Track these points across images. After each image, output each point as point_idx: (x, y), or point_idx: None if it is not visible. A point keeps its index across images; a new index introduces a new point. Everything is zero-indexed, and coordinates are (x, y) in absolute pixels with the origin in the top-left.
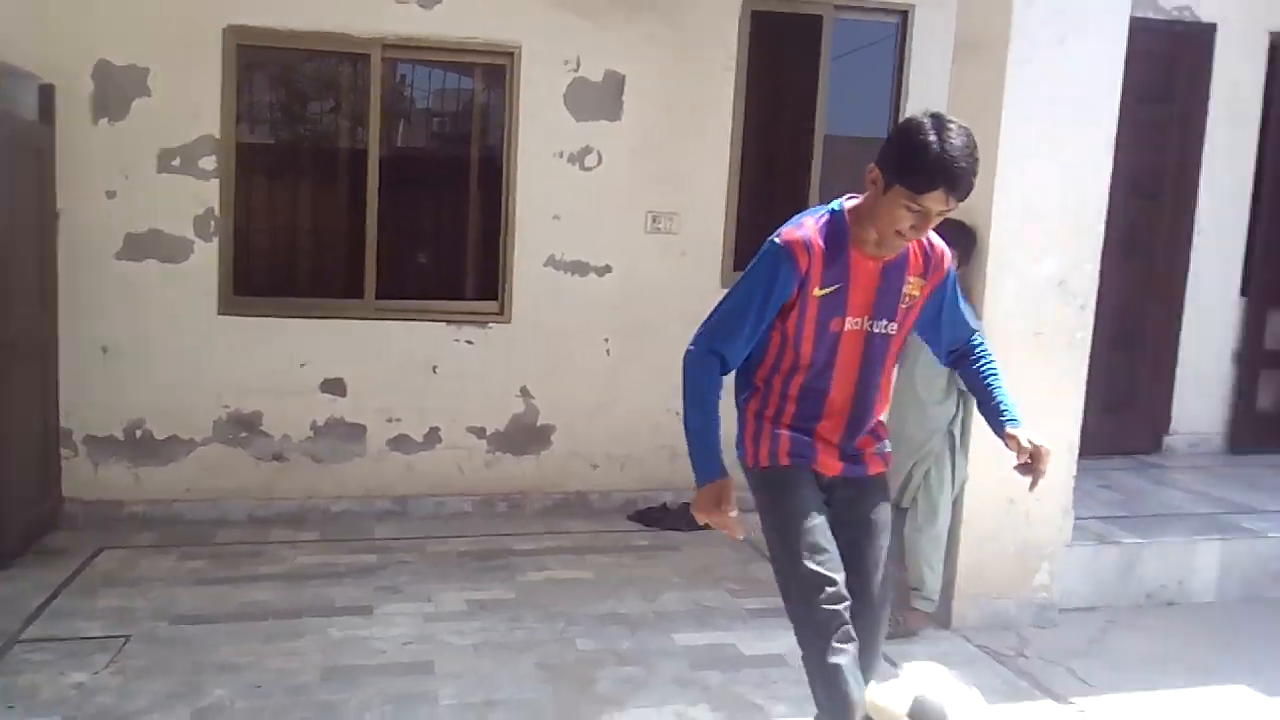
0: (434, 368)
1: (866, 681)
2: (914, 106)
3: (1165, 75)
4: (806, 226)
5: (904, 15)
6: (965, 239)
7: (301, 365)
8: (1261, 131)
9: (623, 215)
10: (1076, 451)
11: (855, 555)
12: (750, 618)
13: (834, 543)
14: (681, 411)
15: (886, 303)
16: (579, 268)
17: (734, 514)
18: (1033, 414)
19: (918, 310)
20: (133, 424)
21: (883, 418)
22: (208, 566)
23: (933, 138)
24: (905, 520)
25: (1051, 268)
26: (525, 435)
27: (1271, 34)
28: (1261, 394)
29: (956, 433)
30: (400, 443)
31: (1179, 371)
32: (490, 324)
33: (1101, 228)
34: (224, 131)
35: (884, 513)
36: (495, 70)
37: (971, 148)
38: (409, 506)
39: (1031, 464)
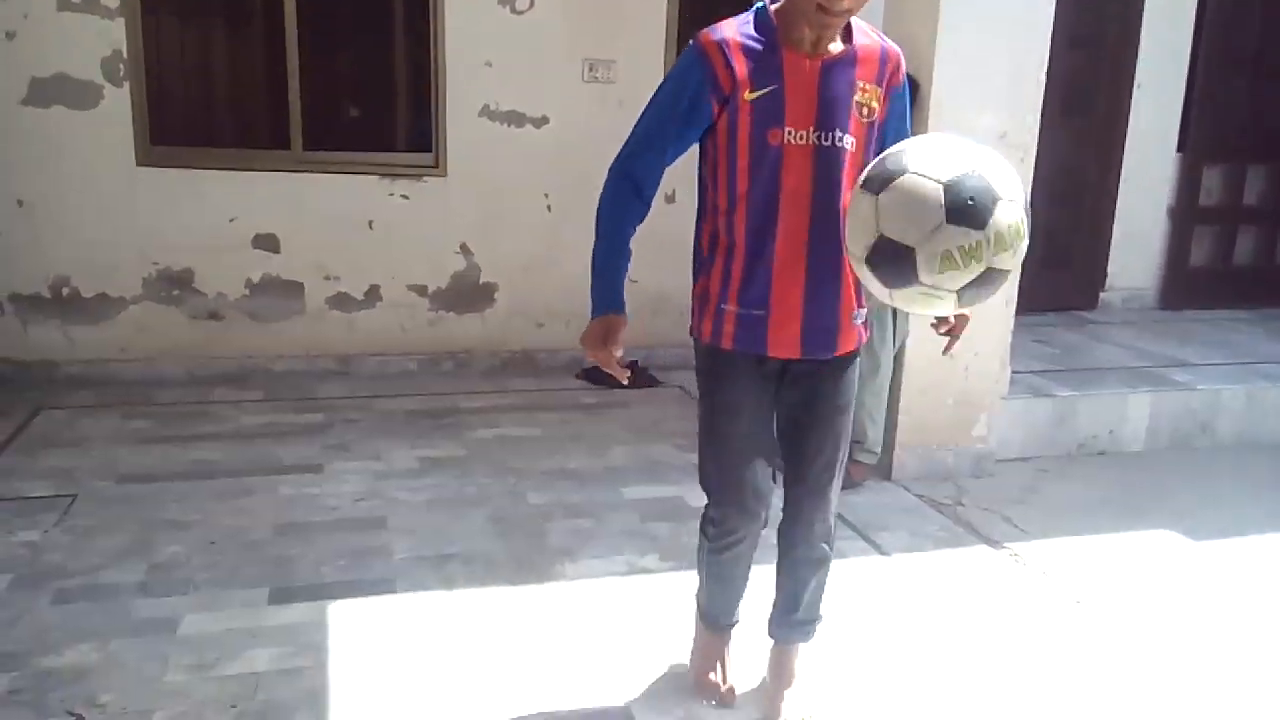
0: (369, 223)
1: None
2: None
3: None
4: (725, 25)
5: None
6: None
7: (230, 220)
8: None
9: (558, 63)
10: (1014, 306)
11: (796, 436)
12: (696, 471)
13: (758, 453)
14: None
15: (834, 109)
16: (515, 118)
17: (619, 353)
18: None
19: (880, 125)
20: (58, 281)
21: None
22: (150, 426)
23: None
24: None
25: (993, 121)
26: (468, 293)
27: None
28: (1195, 250)
29: None
30: (340, 301)
31: (1116, 228)
32: (425, 177)
33: (1042, 80)
34: None
35: (842, 394)
36: None
37: None
38: (353, 365)
39: (953, 325)
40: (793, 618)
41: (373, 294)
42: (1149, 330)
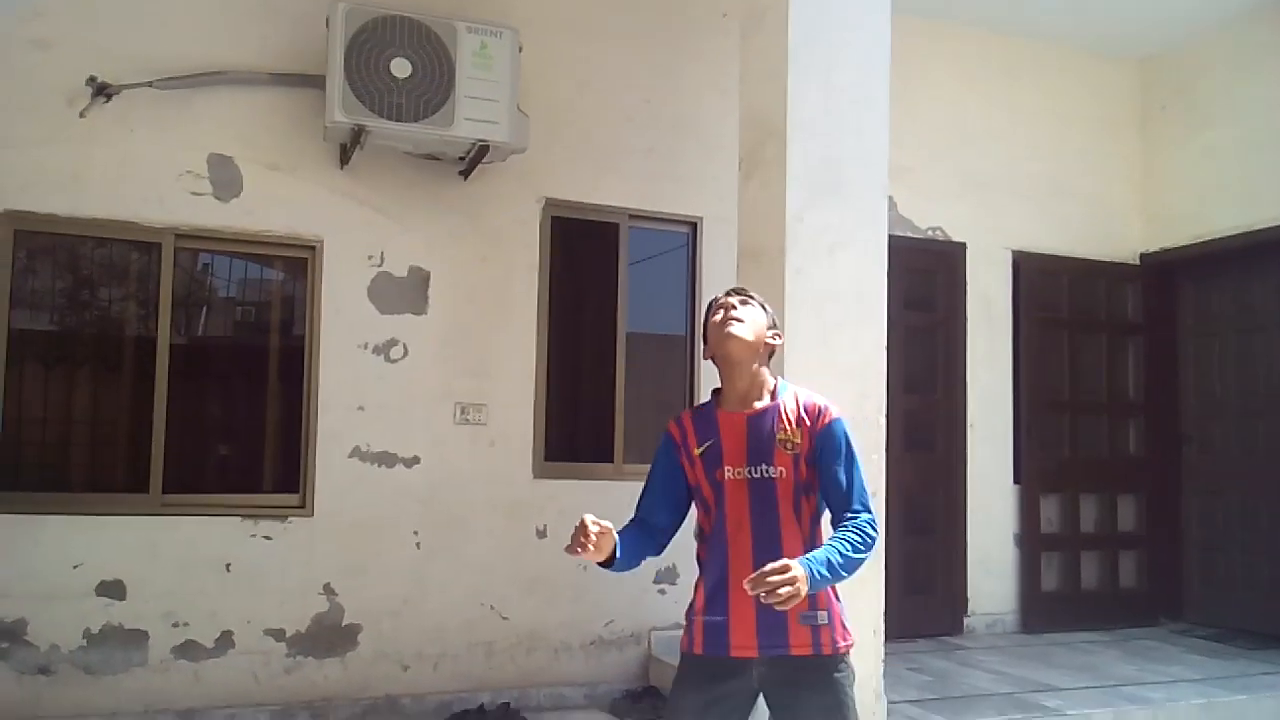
0: (227, 566)
1: None
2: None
3: (927, 286)
4: (682, 415)
5: (693, 226)
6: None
7: (75, 567)
8: (1014, 336)
9: (430, 406)
10: (883, 634)
11: None
12: None
13: None
14: None
15: (760, 447)
16: (386, 458)
17: (585, 526)
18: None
19: (807, 457)
20: None
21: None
22: None
23: None
24: None
25: None
26: (329, 636)
27: (1013, 251)
28: (1045, 575)
29: None
30: (187, 649)
31: (970, 555)
32: (290, 518)
33: (883, 420)
34: None
35: (820, 698)
36: (297, 262)
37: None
38: None
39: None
40: None
41: (224, 640)
42: (1013, 654)
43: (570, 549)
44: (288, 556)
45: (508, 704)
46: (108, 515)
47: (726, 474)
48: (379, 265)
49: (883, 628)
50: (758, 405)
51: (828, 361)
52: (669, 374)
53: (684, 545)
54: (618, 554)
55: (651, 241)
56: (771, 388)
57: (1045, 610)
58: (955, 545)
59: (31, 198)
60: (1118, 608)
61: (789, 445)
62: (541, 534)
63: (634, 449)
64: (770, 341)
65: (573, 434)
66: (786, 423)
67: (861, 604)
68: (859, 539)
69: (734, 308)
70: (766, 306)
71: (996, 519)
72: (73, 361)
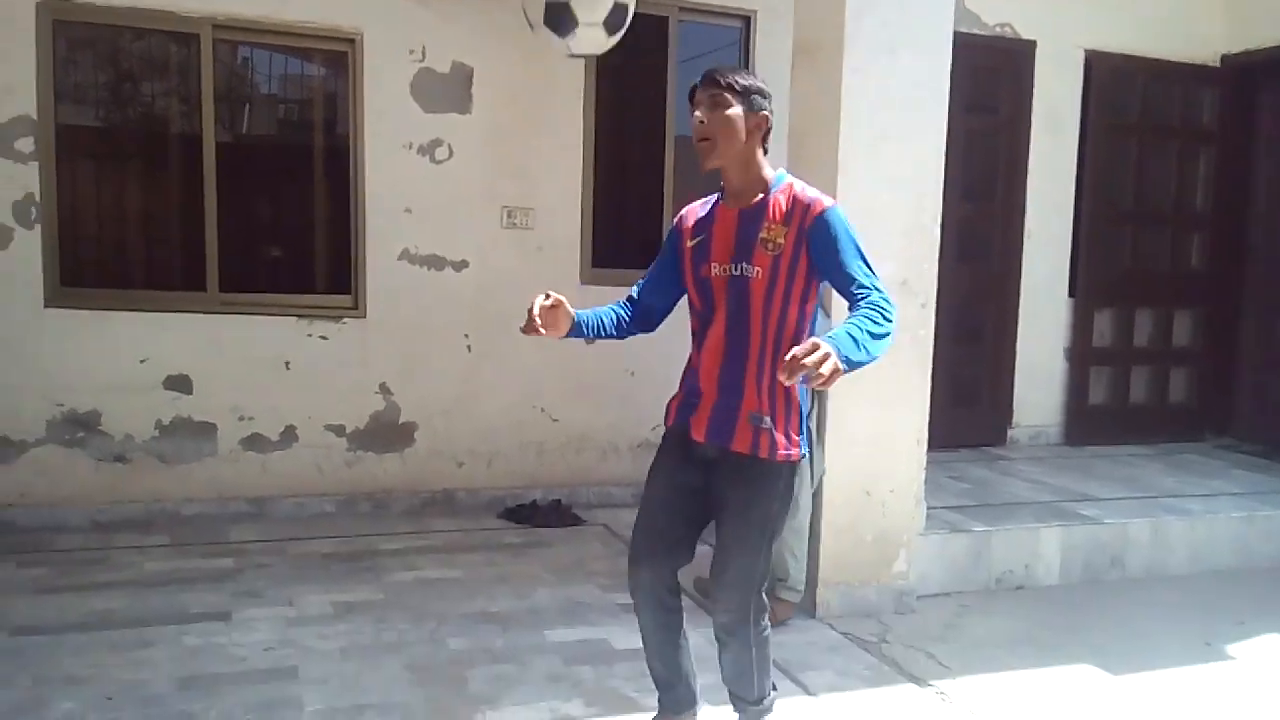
0: (286, 364)
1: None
2: None
3: (991, 87)
4: (694, 204)
5: (747, 20)
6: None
7: (141, 361)
8: (1080, 143)
9: (477, 210)
10: (925, 443)
11: (716, 528)
12: (621, 612)
13: (667, 520)
14: None
15: (744, 245)
16: (435, 262)
17: (538, 302)
18: (883, 407)
19: (788, 257)
20: None
21: (784, 392)
22: (47, 575)
23: None
24: None
25: (892, 268)
26: (387, 433)
27: (1086, 51)
28: (1093, 389)
29: (813, 427)
30: (254, 441)
31: (1018, 368)
32: (344, 319)
33: (937, 230)
34: (42, 112)
35: (744, 492)
36: (337, 57)
37: (727, 64)
38: (266, 508)
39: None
40: (724, 679)
41: (288, 434)
42: (1054, 465)
43: (524, 329)
44: (343, 356)
45: (559, 500)
46: (168, 312)
47: (712, 269)
48: (421, 60)
49: (925, 436)
50: (753, 201)
51: (883, 166)
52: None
53: None
54: (578, 325)
55: (702, 37)
56: (768, 180)
57: (1090, 424)
58: (1003, 357)
59: None
60: (1164, 423)
61: (770, 245)
62: (590, 341)
63: None
64: (757, 130)
65: (620, 240)
66: (772, 220)
67: (905, 412)
68: (876, 314)
69: (701, 123)
70: (746, 85)
71: (1047, 332)
72: (120, 157)
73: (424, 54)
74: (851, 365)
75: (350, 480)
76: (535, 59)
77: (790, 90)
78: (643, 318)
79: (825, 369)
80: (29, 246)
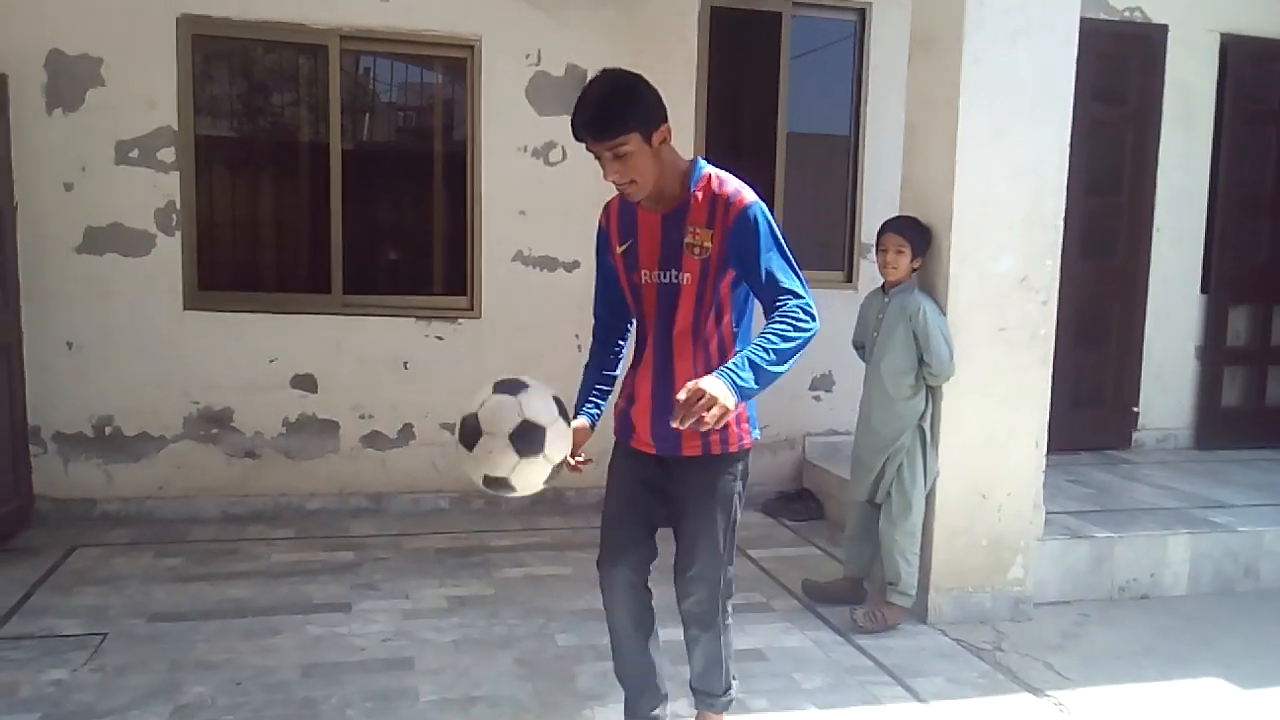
0: (405, 363)
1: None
2: (874, 104)
3: (1119, 75)
4: (613, 199)
5: (861, 13)
6: (919, 235)
7: (271, 361)
8: (1215, 131)
9: (589, 211)
10: (1045, 445)
11: (678, 522)
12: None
13: (633, 517)
14: None
15: (669, 253)
16: (547, 263)
17: (573, 461)
18: (1000, 407)
19: (716, 259)
20: (101, 421)
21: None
22: (183, 564)
23: (579, 95)
24: (880, 515)
25: (1011, 264)
26: None
27: (1222, 35)
28: (1226, 390)
29: (927, 428)
30: (374, 439)
31: (1145, 368)
32: (460, 319)
33: (1060, 224)
34: (182, 123)
35: (702, 486)
36: (456, 63)
37: (606, 90)
38: (384, 503)
39: (683, 407)
40: (692, 678)
41: (406, 432)
42: (1183, 470)
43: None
44: (459, 355)
45: None
46: (296, 314)
47: (643, 277)
48: (536, 64)
49: (1045, 438)
50: (675, 205)
51: (1003, 157)
52: (831, 177)
53: (842, 350)
54: (597, 417)
55: (816, 32)
56: (684, 176)
57: (1222, 426)
58: (1129, 357)
59: (203, 2)
60: None
61: (697, 250)
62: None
63: (794, 254)
64: (663, 142)
65: None
66: (696, 223)
67: (1023, 413)
68: (787, 327)
69: (617, 174)
70: (630, 114)
71: (1177, 330)
72: (253, 166)
73: (539, 57)
74: (745, 395)
75: (464, 477)
76: (648, 58)
77: (907, 82)
78: (621, 336)
79: (710, 416)
80: (170, 252)
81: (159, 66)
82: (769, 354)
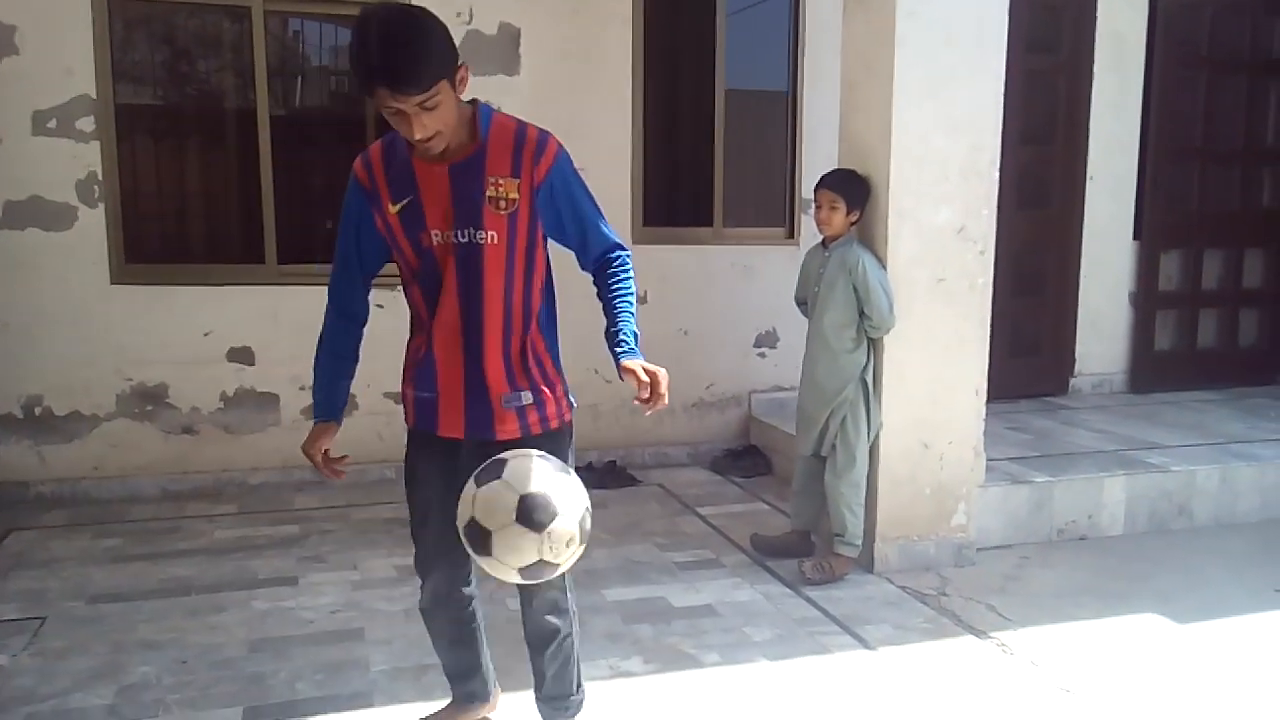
0: None
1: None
2: (811, 59)
3: (1051, 24)
4: (370, 149)
5: None
6: (856, 188)
7: (205, 334)
8: (1146, 79)
9: None
10: (984, 394)
11: None
12: (679, 570)
13: (444, 520)
14: None
15: (465, 209)
16: None
17: (319, 459)
18: (940, 358)
19: (526, 212)
20: (31, 401)
21: (535, 359)
22: (122, 544)
23: (356, 37)
24: (826, 468)
25: (949, 216)
26: None
27: None
28: (1159, 335)
29: (869, 380)
30: None
31: (1080, 315)
32: (397, 287)
33: (995, 175)
34: (101, 91)
35: None
36: None
37: (402, 30)
38: None
39: (650, 392)
40: (541, 695)
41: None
42: (1119, 414)
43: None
44: (400, 323)
45: (614, 462)
46: (230, 285)
47: (433, 238)
48: (468, 23)
49: (984, 387)
50: (467, 153)
51: (939, 110)
52: (770, 133)
53: (786, 306)
54: (339, 411)
55: None
56: (471, 121)
57: (1156, 370)
58: (1065, 305)
59: None
60: (1233, 368)
61: (502, 204)
62: (642, 300)
63: (734, 212)
64: (463, 86)
65: (671, 197)
66: (497, 173)
67: (962, 365)
68: (630, 285)
69: (424, 129)
70: (436, 61)
71: (1111, 277)
72: (179, 135)
73: (471, 16)
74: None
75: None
76: (582, 18)
77: (843, 37)
78: (363, 318)
79: (664, 393)
80: (94, 225)
81: (76, 33)
82: (634, 317)
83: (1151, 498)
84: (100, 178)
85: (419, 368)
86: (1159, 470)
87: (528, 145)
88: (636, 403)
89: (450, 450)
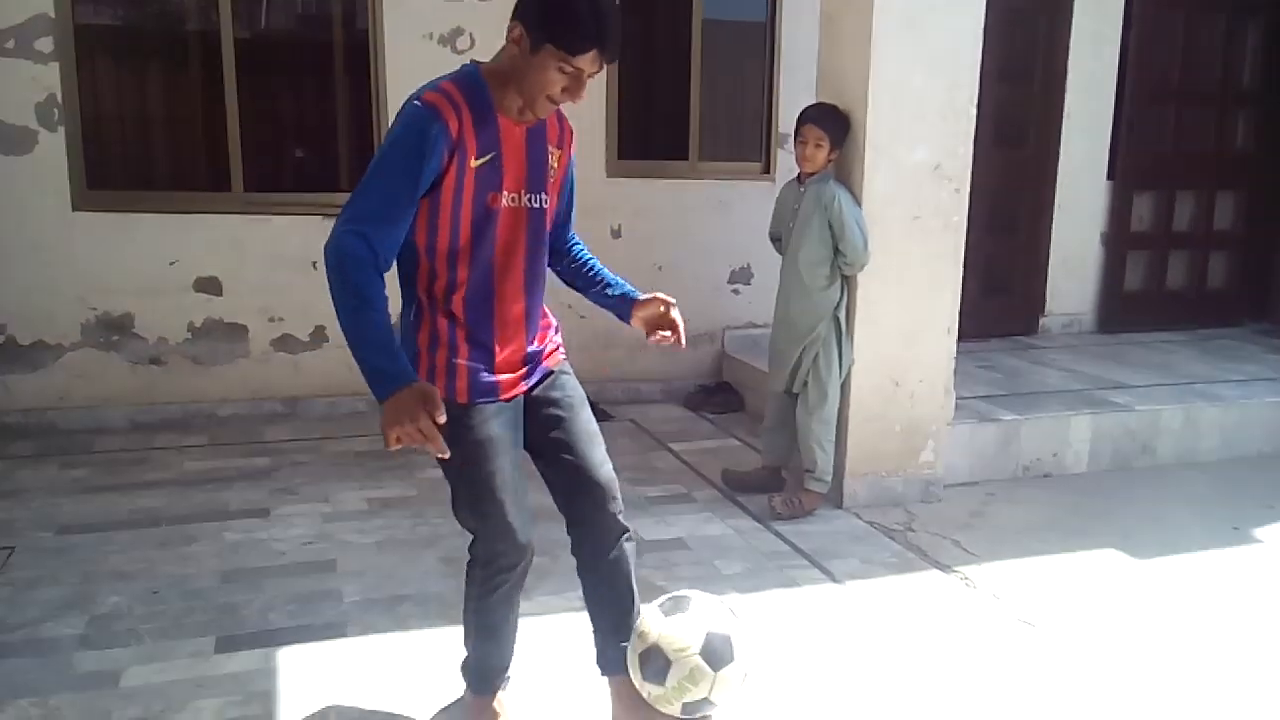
0: (314, 264)
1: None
2: None
3: None
4: (447, 88)
5: None
6: (839, 127)
7: (171, 264)
8: (1125, 18)
9: None
10: (956, 332)
11: (568, 438)
12: (650, 505)
13: (524, 488)
14: (340, 316)
15: (537, 173)
16: None
17: (443, 419)
18: (913, 296)
19: (559, 183)
20: None
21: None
22: (91, 475)
23: (593, 4)
24: (798, 405)
25: (925, 153)
26: None
27: None
28: (1129, 275)
29: (842, 318)
30: (285, 342)
31: (1053, 255)
32: None
33: (973, 113)
34: (59, 10)
35: (574, 389)
36: None
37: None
38: (299, 408)
39: (671, 320)
40: (622, 614)
41: (318, 335)
42: (1088, 354)
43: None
44: None
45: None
46: (195, 214)
47: (504, 200)
48: None
49: (956, 325)
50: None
51: (917, 47)
52: (748, 65)
53: (760, 242)
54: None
55: None
56: None
57: (1125, 311)
58: (1038, 245)
59: None
60: (1201, 309)
61: (553, 171)
62: (616, 234)
63: (710, 146)
64: None
65: (646, 131)
66: (552, 139)
67: (935, 301)
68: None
69: (584, 86)
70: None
71: (1085, 217)
72: (141, 57)
73: None
74: None
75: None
76: None
77: None
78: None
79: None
80: (54, 149)
81: None
82: None
83: (1115, 436)
84: (60, 100)
85: (475, 334)
86: (1124, 409)
87: (565, 121)
88: (655, 341)
89: (515, 405)
